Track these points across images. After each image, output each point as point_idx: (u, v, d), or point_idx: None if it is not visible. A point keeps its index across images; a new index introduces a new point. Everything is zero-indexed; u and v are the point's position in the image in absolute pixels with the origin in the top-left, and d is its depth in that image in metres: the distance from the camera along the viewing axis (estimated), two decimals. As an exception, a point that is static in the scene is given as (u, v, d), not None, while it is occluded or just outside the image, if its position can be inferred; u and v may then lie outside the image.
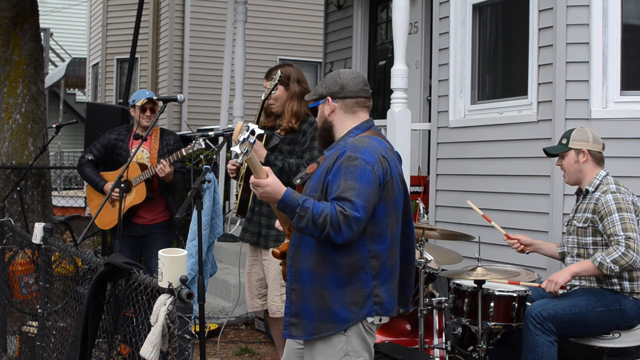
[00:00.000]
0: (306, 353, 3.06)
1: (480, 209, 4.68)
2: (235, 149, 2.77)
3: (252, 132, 2.76)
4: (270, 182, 2.87)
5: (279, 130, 4.54)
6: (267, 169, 2.90)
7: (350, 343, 2.95)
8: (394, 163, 3.03)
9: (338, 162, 2.95)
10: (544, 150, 4.46)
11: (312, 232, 2.86)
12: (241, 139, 2.76)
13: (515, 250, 4.58)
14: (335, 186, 2.89)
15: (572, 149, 4.27)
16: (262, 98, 4.54)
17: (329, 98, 3.13)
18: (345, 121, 3.12)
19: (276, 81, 4.46)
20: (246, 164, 4.35)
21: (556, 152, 4.33)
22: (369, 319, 2.97)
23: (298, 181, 3.21)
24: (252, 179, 2.90)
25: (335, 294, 2.92)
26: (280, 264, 3.32)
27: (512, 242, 4.55)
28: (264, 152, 4.39)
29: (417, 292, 4.41)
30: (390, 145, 3.11)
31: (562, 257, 4.51)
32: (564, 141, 4.31)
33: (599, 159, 4.29)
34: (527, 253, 4.60)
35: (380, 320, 3.01)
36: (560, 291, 4.17)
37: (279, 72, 4.49)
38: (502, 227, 4.65)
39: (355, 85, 3.11)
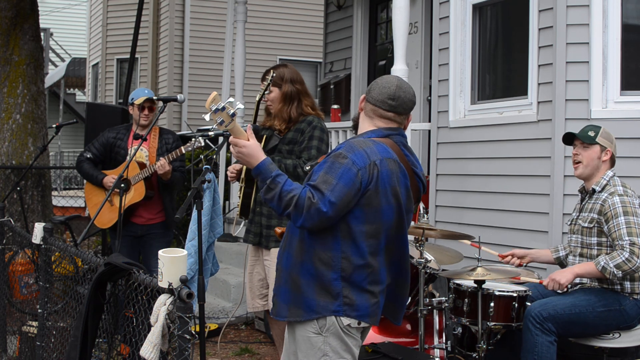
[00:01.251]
0: (289, 339, 3.09)
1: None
2: (206, 116, 2.78)
3: (230, 105, 2.78)
4: (248, 145, 2.94)
5: (277, 131, 4.54)
6: (249, 136, 2.96)
7: (328, 343, 2.94)
8: (387, 174, 2.92)
9: (330, 154, 2.97)
10: (571, 133, 4.35)
11: (276, 207, 2.90)
12: (213, 109, 2.77)
13: (513, 266, 4.57)
14: (316, 175, 2.90)
15: (599, 144, 4.25)
16: (256, 99, 4.55)
17: (363, 96, 3.14)
18: (364, 122, 3.12)
19: (268, 82, 4.46)
20: (245, 168, 4.38)
21: (586, 141, 4.25)
22: (344, 321, 2.94)
23: (307, 168, 3.22)
24: (231, 138, 2.97)
25: (306, 283, 2.94)
26: None
27: (506, 259, 4.55)
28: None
29: (417, 292, 4.41)
30: (400, 158, 3.00)
31: (558, 262, 4.51)
32: (592, 134, 4.26)
33: (613, 162, 4.30)
34: (525, 266, 4.60)
35: (359, 323, 2.97)
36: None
37: (272, 73, 4.49)
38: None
39: (378, 95, 3.05)
